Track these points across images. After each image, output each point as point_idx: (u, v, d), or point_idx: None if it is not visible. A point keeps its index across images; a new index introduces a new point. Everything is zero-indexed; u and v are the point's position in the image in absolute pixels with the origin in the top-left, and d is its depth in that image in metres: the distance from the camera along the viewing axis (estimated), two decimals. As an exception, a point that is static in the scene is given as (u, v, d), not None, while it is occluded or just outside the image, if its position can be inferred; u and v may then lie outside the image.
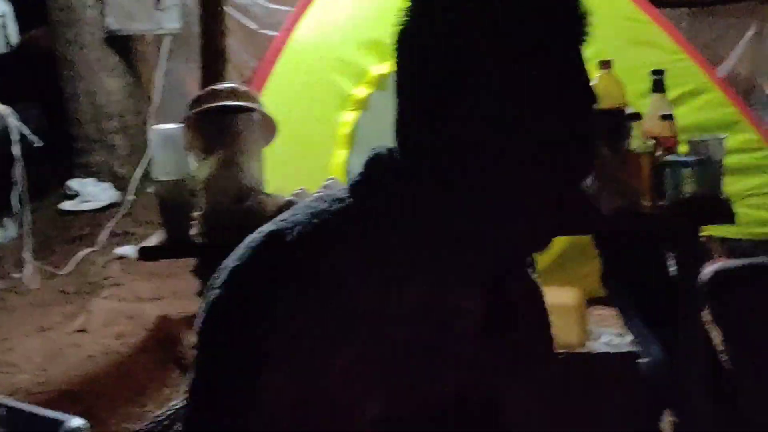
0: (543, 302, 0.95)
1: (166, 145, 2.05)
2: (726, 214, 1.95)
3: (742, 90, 3.93)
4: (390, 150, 0.83)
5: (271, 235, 0.80)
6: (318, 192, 2.03)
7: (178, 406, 1.45)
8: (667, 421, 2.11)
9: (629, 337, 2.53)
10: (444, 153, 0.76)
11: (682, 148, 1.99)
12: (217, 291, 0.80)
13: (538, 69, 0.74)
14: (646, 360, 2.14)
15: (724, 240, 3.13)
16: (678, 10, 4.42)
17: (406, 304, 0.80)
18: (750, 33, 4.46)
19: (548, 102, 0.75)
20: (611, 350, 2.61)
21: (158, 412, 1.45)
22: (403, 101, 0.80)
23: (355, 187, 0.83)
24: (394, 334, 0.79)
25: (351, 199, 0.82)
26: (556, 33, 0.77)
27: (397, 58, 0.80)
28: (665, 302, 2.04)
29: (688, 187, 1.92)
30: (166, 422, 1.46)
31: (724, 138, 2.03)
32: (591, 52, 0.84)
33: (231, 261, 0.84)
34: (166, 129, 2.13)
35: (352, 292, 0.78)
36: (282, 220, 0.85)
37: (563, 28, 0.78)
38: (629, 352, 2.33)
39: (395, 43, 0.79)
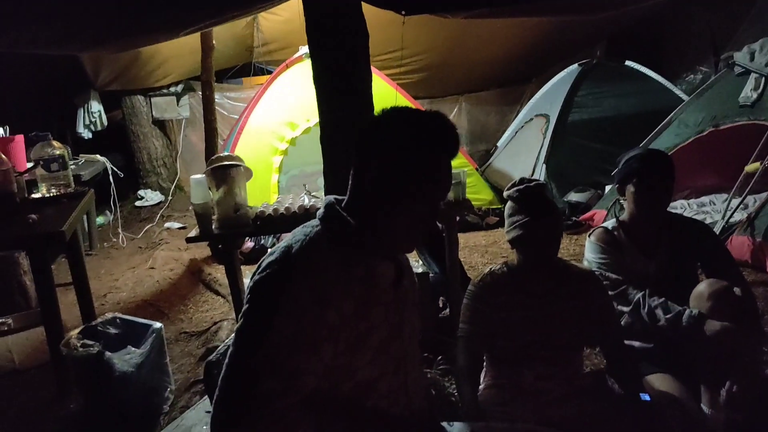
0: (410, 264, 1.58)
1: (198, 184, 3.10)
2: (468, 206, 3.27)
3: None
4: (336, 198, 1.42)
5: (287, 247, 1.33)
6: (277, 203, 3.26)
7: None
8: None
9: (421, 264, 3.62)
10: (357, 204, 1.36)
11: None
12: (258, 275, 1.31)
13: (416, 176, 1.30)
14: (432, 275, 3.42)
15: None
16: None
17: (357, 275, 1.33)
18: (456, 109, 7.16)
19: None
20: (415, 271, 2.87)
21: (221, 345, 1.62)
22: (353, 176, 1.37)
23: (322, 219, 1.39)
24: (354, 290, 1.31)
25: (320, 226, 1.37)
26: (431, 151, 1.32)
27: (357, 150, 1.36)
28: (439, 247, 3.32)
29: (451, 195, 3.14)
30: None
31: (465, 171, 3.26)
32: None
33: (267, 258, 1.34)
34: (198, 177, 3.13)
35: (329, 271, 1.29)
36: (291, 239, 1.36)
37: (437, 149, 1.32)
38: (424, 272, 3.39)
39: (358, 143, 1.37)
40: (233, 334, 1.31)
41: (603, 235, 2.35)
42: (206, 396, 2.56)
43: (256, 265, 1.34)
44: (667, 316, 2.09)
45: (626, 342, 2.24)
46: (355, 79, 2.69)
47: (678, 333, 2.09)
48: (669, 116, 5.16)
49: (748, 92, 4.49)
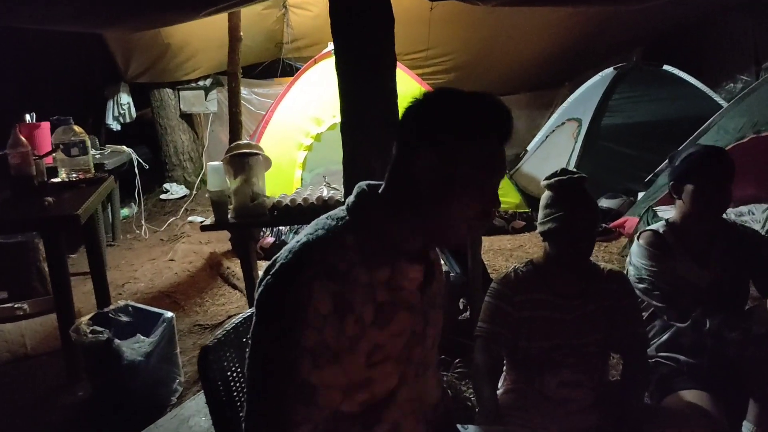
0: (440, 263, 1.41)
1: (216, 172, 3.05)
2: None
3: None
4: (368, 185, 1.23)
5: (305, 243, 1.16)
6: (295, 194, 3.19)
7: (236, 323, 1.51)
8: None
9: (444, 264, 3.44)
10: (399, 196, 1.19)
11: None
12: (271, 278, 1.15)
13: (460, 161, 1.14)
14: (453, 275, 3.35)
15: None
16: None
17: (381, 278, 1.18)
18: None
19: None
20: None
21: (226, 327, 1.52)
22: (392, 165, 1.21)
23: (351, 208, 1.21)
24: (377, 295, 1.17)
25: (347, 219, 1.20)
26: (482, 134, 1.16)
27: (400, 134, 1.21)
28: (462, 247, 3.18)
29: None
30: (229, 337, 1.46)
31: None
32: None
33: (281, 258, 1.16)
34: (215, 164, 3.09)
35: (353, 271, 1.13)
36: (311, 233, 1.19)
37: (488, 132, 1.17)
38: (446, 271, 3.32)
39: (403, 125, 1.21)
40: (250, 345, 1.20)
41: (653, 238, 2.16)
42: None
43: (268, 264, 1.20)
44: (734, 335, 1.96)
45: (668, 354, 2.14)
46: (378, 66, 2.59)
47: (743, 353, 1.96)
48: (707, 122, 4.96)
49: (793, 98, 4.28)
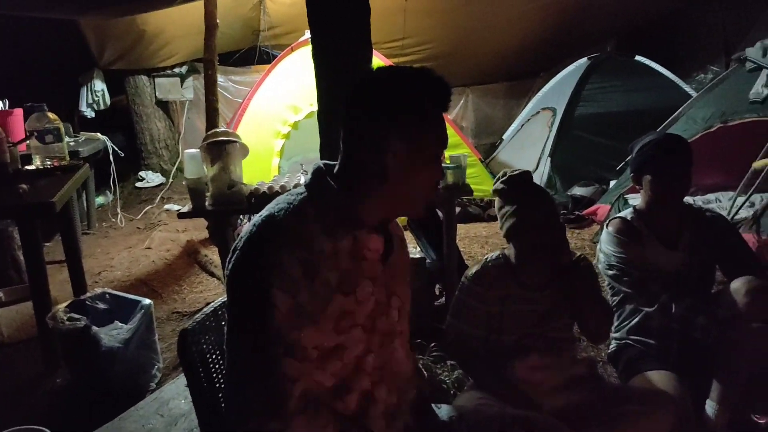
0: (404, 238, 1.48)
1: (193, 159, 3.12)
2: (468, 191, 3.19)
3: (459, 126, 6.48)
4: (325, 164, 1.30)
5: (268, 216, 1.22)
6: (273, 181, 3.20)
7: (215, 307, 1.51)
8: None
9: (419, 250, 3.55)
10: (351, 172, 1.26)
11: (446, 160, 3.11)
12: (239, 253, 1.20)
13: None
14: (428, 260, 3.38)
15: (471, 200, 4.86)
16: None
17: (344, 248, 1.24)
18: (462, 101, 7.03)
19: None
20: (412, 256, 2.98)
21: (205, 310, 1.51)
22: (343, 144, 1.26)
23: (308, 185, 1.28)
24: (341, 263, 1.22)
25: (306, 193, 1.27)
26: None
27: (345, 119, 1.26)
28: (437, 233, 3.26)
29: (451, 179, 3.11)
30: (207, 321, 1.46)
31: (465, 155, 3.21)
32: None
33: (245, 233, 1.20)
34: (192, 151, 3.17)
35: (315, 242, 1.20)
36: (273, 207, 1.24)
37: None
38: (421, 257, 3.36)
39: (349, 106, 1.25)
40: (228, 321, 1.22)
41: (622, 225, 2.21)
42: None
43: (233, 247, 1.24)
44: (700, 318, 2.01)
45: (638, 338, 2.21)
46: (355, 55, 2.62)
47: (708, 336, 2.01)
48: (677, 111, 5.06)
49: (759, 88, 4.40)
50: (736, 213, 4.12)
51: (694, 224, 2.23)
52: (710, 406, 2.05)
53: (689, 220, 2.24)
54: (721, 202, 4.69)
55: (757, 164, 4.16)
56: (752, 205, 4.16)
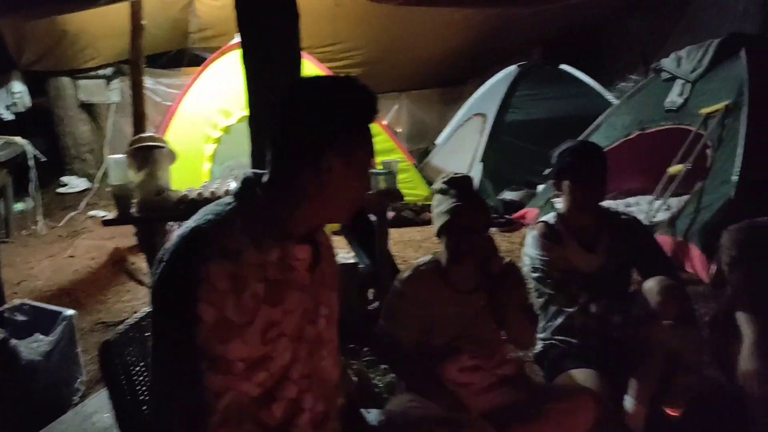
0: (331, 245, 1.46)
1: (118, 165, 3.05)
2: (399, 196, 3.23)
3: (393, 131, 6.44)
4: (254, 173, 1.28)
5: (195, 227, 1.19)
6: (202, 187, 3.14)
7: (138, 319, 1.52)
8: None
9: (352, 255, 3.53)
10: (281, 184, 1.24)
11: (379, 166, 3.15)
12: (165, 265, 1.17)
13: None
14: (361, 265, 3.37)
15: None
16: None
17: (272, 259, 1.22)
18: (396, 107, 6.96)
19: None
20: (345, 261, 3.26)
21: (128, 321, 1.52)
22: (273, 156, 1.25)
23: (237, 193, 1.27)
24: (269, 274, 1.21)
25: (234, 204, 1.24)
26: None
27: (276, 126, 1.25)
28: (370, 238, 3.29)
29: (382, 185, 3.15)
30: (131, 333, 1.47)
31: (397, 161, 3.27)
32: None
33: (171, 245, 1.17)
34: (117, 157, 3.11)
35: (244, 252, 1.17)
36: (199, 218, 1.21)
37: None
38: (354, 263, 3.38)
39: (277, 116, 1.24)
40: (152, 333, 1.20)
41: (545, 229, 2.30)
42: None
43: (156, 258, 1.21)
44: (616, 317, 2.10)
45: (562, 338, 2.25)
46: (284, 60, 2.61)
47: (624, 334, 2.10)
48: (599, 119, 5.28)
49: (674, 97, 4.64)
50: (654, 216, 4.32)
51: (610, 227, 2.33)
52: (628, 401, 2.12)
53: (606, 223, 2.34)
54: (640, 206, 4.90)
55: (672, 169, 4.39)
56: (669, 208, 4.37)
